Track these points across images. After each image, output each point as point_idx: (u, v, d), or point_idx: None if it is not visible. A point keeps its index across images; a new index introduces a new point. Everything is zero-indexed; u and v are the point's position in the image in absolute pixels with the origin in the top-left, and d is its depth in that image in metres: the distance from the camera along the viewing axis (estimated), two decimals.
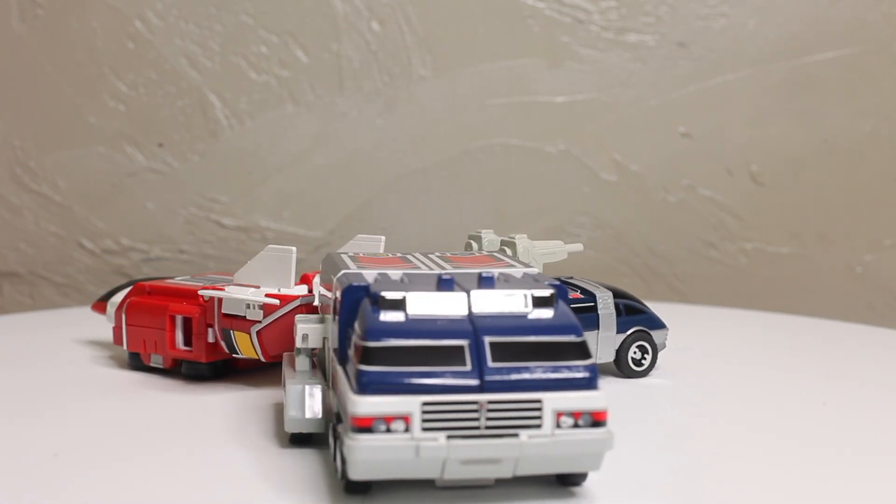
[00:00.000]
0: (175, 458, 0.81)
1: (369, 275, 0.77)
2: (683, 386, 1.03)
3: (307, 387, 0.82)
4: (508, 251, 1.04)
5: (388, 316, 0.70)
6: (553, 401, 0.68)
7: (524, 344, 0.69)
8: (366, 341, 0.68)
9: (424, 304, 0.71)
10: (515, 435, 0.68)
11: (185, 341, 1.03)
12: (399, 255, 0.90)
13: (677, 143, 1.61)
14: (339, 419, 0.74)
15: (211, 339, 1.01)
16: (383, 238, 1.02)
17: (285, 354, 0.93)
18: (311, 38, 1.60)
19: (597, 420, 0.69)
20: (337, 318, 0.76)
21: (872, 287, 1.61)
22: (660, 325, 1.07)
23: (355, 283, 0.74)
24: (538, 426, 0.68)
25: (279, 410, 0.93)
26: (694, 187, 1.61)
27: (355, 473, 0.68)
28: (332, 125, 1.61)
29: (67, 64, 1.61)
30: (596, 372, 0.70)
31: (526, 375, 0.68)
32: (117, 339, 1.09)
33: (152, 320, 1.04)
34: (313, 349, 0.87)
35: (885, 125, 1.59)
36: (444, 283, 0.72)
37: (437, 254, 0.91)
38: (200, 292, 1.00)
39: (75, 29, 1.60)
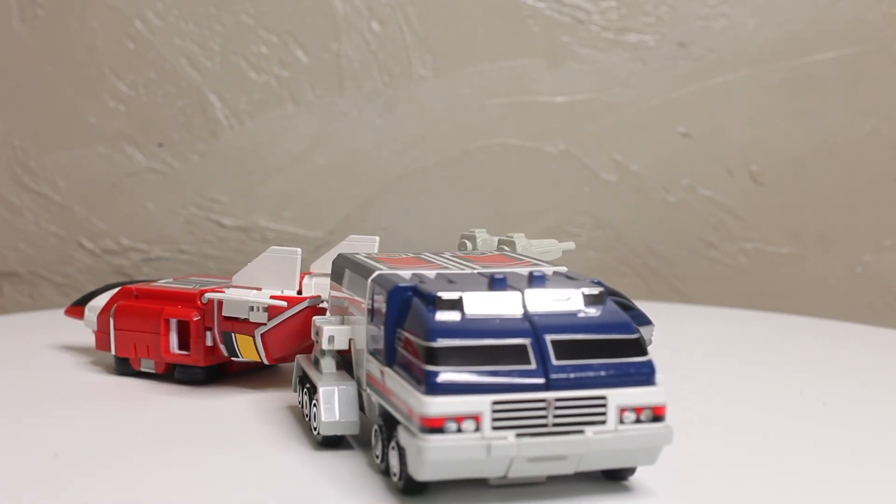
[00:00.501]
0: (206, 462, 0.80)
1: (405, 275, 0.78)
2: (683, 386, 1.03)
3: (341, 389, 0.82)
4: (507, 249, 1.04)
5: (446, 316, 0.71)
6: (617, 397, 0.70)
7: (584, 342, 0.71)
8: (430, 342, 0.68)
9: (481, 303, 0.71)
10: (581, 431, 0.69)
11: (180, 345, 1.01)
12: (412, 254, 0.90)
13: (677, 143, 1.61)
14: (385, 419, 0.75)
15: (209, 343, 1.00)
16: (377, 238, 1.02)
17: (299, 356, 0.92)
18: (311, 38, 1.60)
19: (657, 415, 0.71)
20: (374, 318, 0.77)
21: (872, 287, 1.61)
22: (645, 321, 1.07)
23: (402, 284, 0.74)
24: (603, 422, 0.70)
25: (296, 413, 0.93)
26: (694, 187, 1.61)
27: (424, 474, 0.68)
28: (332, 125, 1.61)
29: (67, 64, 1.61)
30: (654, 368, 0.71)
31: (590, 373, 0.70)
32: (102, 344, 1.06)
33: (145, 324, 1.02)
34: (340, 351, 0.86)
35: (885, 125, 1.59)
36: (498, 283, 0.73)
37: (449, 254, 0.92)
38: (205, 295, 0.99)
39: (75, 29, 1.60)
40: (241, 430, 0.88)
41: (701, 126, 1.61)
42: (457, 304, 0.71)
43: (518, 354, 0.69)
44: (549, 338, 0.70)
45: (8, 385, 1.04)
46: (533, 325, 0.71)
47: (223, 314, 0.98)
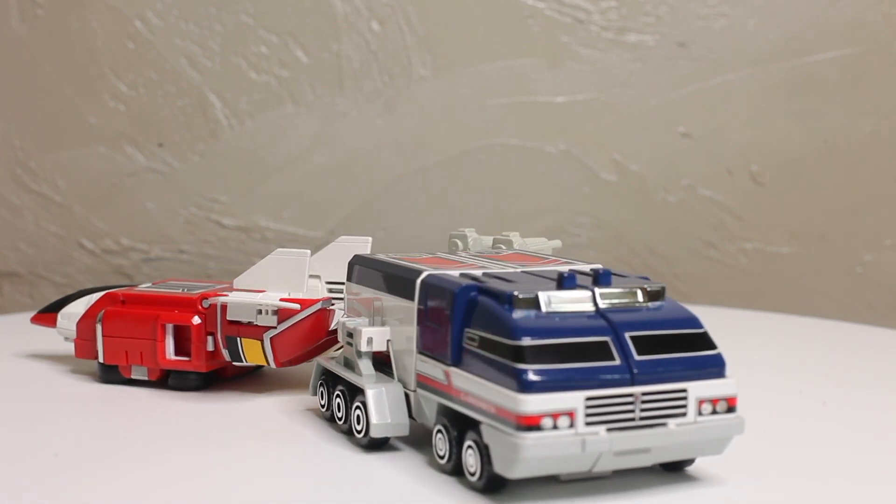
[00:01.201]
0: (243, 468, 0.79)
1: (452, 275, 0.79)
2: None
3: (390, 390, 0.82)
4: (504, 248, 1.04)
5: (525, 315, 0.72)
6: (696, 389, 0.72)
7: (660, 336, 0.73)
8: (517, 340, 0.70)
9: (555, 301, 0.73)
10: (665, 424, 0.72)
11: (176, 351, 0.99)
12: (427, 254, 0.92)
13: (677, 143, 1.61)
14: (452, 419, 0.75)
15: (210, 348, 0.98)
16: (370, 239, 1.01)
17: (319, 359, 0.92)
18: (311, 38, 1.60)
19: (731, 406, 0.74)
20: (429, 319, 0.78)
21: (872, 287, 1.61)
22: None
23: (467, 284, 0.76)
24: (683, 414, 0.72)
25: (319, 415, 0.92)
26: (694, 187, 1.61)
27: (519, 471, 0.69)
28: (332, 125, 1.61)
29: (67, 64, 1.61)
30: (724, 361, 0.74)
31: (670, 367, 0.72)
32: (84, 351, 1.03)
33: (139, 330, 0.99)
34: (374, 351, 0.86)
35: (885, 125, 1.59)
36: (569, 281, 0.75)
37: (465, 253, 0.93)
38: (213, 299, 0.97)
39: (75, 29, 1.60)
40: (275, 435, 0.87)
41: (701, 126, 1.60)
42: (533, 303, 0.73)
43: (601, 351, 0.71)
44: (628, 334, 0.72)
45: (8, 385, 1.04)
46: (609, 322, 0.73)
47: (227, 318, 0.97)
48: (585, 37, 1.59)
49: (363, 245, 1.01)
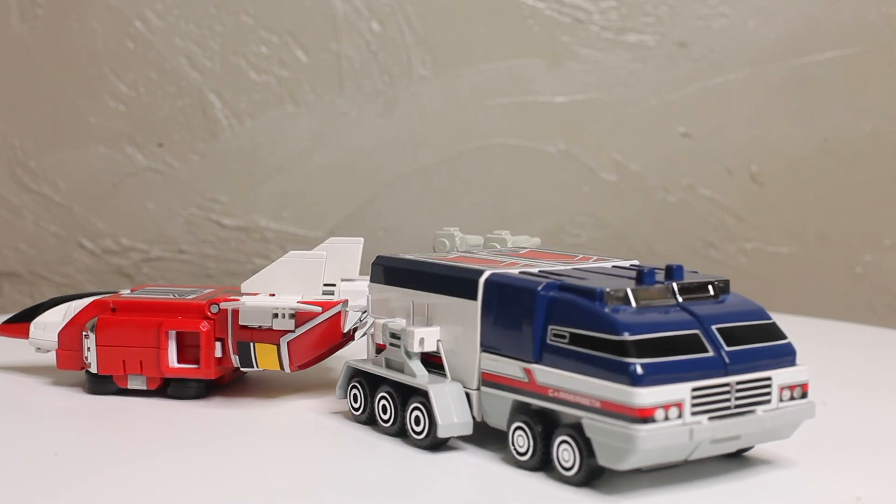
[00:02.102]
0: (305, 476, 0.79)
1: (520, 274, 0.81)
2: None
3: (453, 390, 0.82)
4: (498, 246, 1.05)
5: (619, 310, 0.74)
6: (779, 377, 0.77)
7: (742, 328, 0.77)
8: (620, 335, 0.72)
9: (642, 297, 0.76)
10: (753, 411, 0.75)
11: (178, 359, 0.97)
12: (459, 253, 0.94)
13: (677, 143, 1.61)
14: (534, 416, 0.77)
15: (218, 354, 0.96)
16: (362, 240, 1.00)
17: (350, 361, 0.91)
18: (311, 38, 1.60)
19: (804, 392, 0.78)
20: (498, 318, 0.79)
21: (872, 287, 1.61)
22: None
23: (549, 281, 0.78)
24: (768, 401, 0.76)
25: (349, 416, 0.91)
26: (694, 187, 1.61)
27: (631, 462, 0.72)
28: (332, 125, 1.61)
29: (67, 64, 1.61)
30: (795, 349, 0.78)
31: (756, 356, 0.76)
32: (67, 362, 1.00)
33: (139, 338, 0.96)
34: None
35: (885, 125, 1.59)
36: (650, 276, 0.77)
37: (486, 252, 0.95)
38: (225, 304, 0.95)
39: (75, 29, 1.60)
40: (324, 439, 0.87)
41: (701, 126, 1.60)
42: (624, 299, 0.75)
43: (695, 343, 0.74)
44: (714, 326, 0.76)
45: (8, 385, 1.04)
46: (694, 315, 0.76)
47: (240, 323, 0.94)
48: (585, 37, 1.59)
49: (355, 246, 0.99)
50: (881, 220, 1.61)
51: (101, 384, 0.98)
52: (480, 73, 1.60)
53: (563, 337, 0.75)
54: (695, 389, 0.72)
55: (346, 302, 0.96)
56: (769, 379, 0.76)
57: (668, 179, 1.61)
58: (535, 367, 0.77)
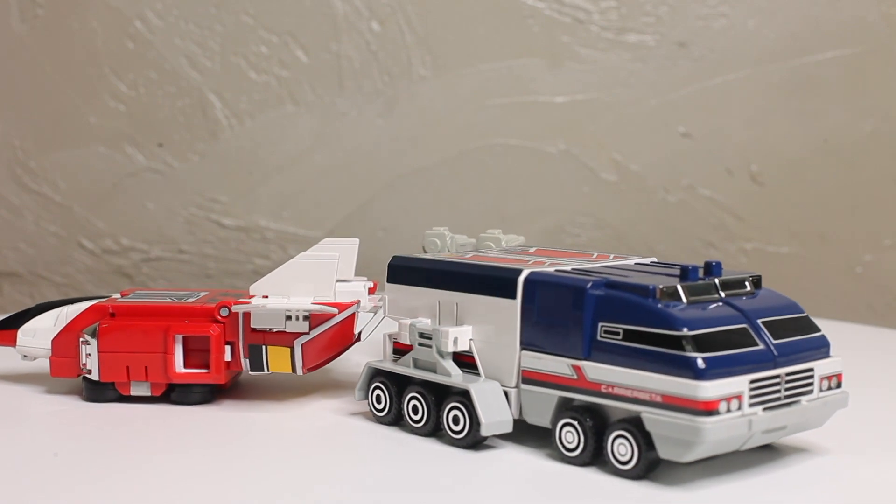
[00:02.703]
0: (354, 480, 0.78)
1: (554, 272, 0.83)
2: None
3: (494, 388, 0.83)
4: (493, 245, 1.06)
5: (674, 306, 0.76)
6: (820, 367, 0.80)
7: (783, 321, 0.80)
8: (678, 330, 0.74)
9: (690, 293, 0.78)
10: (799, 402, 0.78)
11: (185, 363, 0.95)
12: (474, 252, 0.95)
13: (677, 143, 1.61)
14: (580, 411, 0.78)
15: (228, 358, 0.94)
16: (357, 240, 0.99)
17: (371, 361, 0.90)
18: (311, 38, 1.60)
19: (839, 382, 0.81)
20: (540, 316, 0.80)
21: (872, 287, 1.61)
22: None
23: (595, 280, 0.79)
24: (811, 392, 0.79)
25: (370, 417, 0.91)
26: (694, 187, 1.61)
27: (695, 455, 0.74)
28: (332, 125, 1.61)
29: (67, 64, 1.61)
30: (829, 341, 0.81)
31: (799, 348, 0.79)
32: (62, 370, 0.97)
33: (146, 344, 0.94)
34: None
35: (885, 125, 1.59)
36: (693, 273, 0.80)
37: (498, 251, 0.96)
38: (236, 307, 0.93)
39: (75, 29, 1.60)
40: (359, 441, 0.86)
41: (701, 126, 1.60)
42: (675, 295, 0.77)
43: (746, 337, 0.76)
44: (759, 320, 0.78)
45: (8, 386, 1.03)
46: (739, 310, 0.78)
47: (252, 326, 0.93)
48: (585, 37, 1.59)
49: (351, 247, 0.98)
50: (881, 220, 1.61)
51: (100, 391, 0.96)
52: (480, 73, 1.60)
53: (616, 333, 0.77)
54: (752, 382, 0.74)
55: (359, 303, 0.95)
56: (812, 370, 0.79)
57: (668, 179, 1.61)
58: (585, 363, 0.78)
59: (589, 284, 0.79)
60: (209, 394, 0.96)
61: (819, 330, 0.81)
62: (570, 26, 1.59)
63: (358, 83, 1.60)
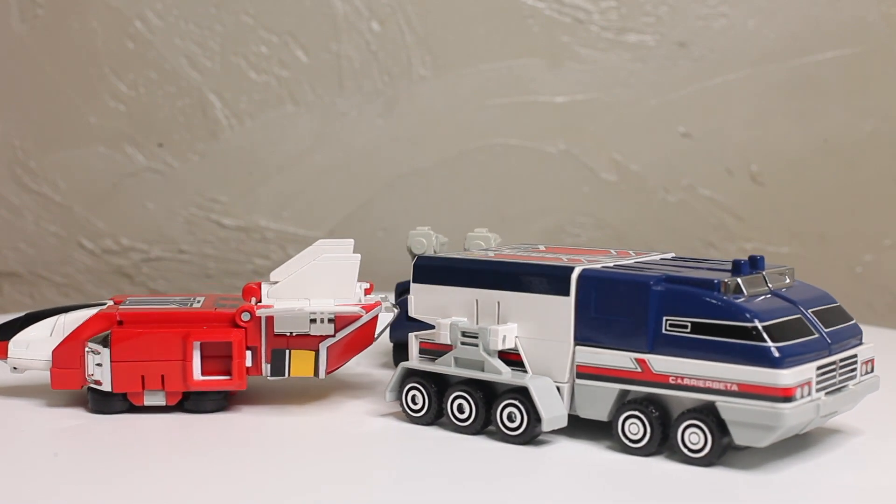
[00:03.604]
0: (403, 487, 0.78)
1: (610, 269, 0.85)
2: None
3: (550, 384, 0.84)
4: (483, 244, 1.07)
5: (740, 299, 0.79)
6: (861, 353, 0.84)
7: (826, 310, 0.84)
8: (751, 322, 0.77)
9: (747, 286, 0.81)
10: (847, 386, 0.82)
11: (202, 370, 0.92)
12: (504, 250, 0.96)
13: (677, 143, 1.61)
14: (643, 403, 0.80)
15: (248, 364, 0.92)
16: (352, 241, 0.98)
17: (405, 363, 0.90)
18: (311, 38, 1.60)
19: (873, 367, 0.86)
20: (597, 311, 0.82)
21: (872, 287, 1.61)
22: None
23: (657, 275, 0.82)
24: (854, 377, 0.83)
25: (403, 417, 0.91)
26: (694, 187, 1.61)
27: (772, 439, 0.77)
28: (332, 125, 1.61)
29: (67, 64, 1.61)
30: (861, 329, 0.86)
31: (845, 336, 0.83)
32: (65, 381, 0.93)
33: (162, 352, 0.91)
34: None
35: (885, 125, 1.59)
36: (746, 266, 0.83)
37: (512, 249, 0.97)
38: (260, 311, 0.90)
39: (75, 29, 1.60)
40: (403, 443, 0.86)
41: (701, 126, 1.60)
42: (737, 288, 0.80)
43: (804, 326, 0.80)
44: (809, 310, 0.82)
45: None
46: (791, 302, 0.82)
47: (275, 331, 0.91)
48: (585, 37, 1.59)
49: (346, 247, 0.97)
50: (881, 220, 1.61)
51: (108, 403, 0.92)
52: (480, 73, 1.60)
53: (684, 327, 0.79)
54: (818, 368, 0.78)
55: (381, 305, 0.95)
56: (856, 356, 0.83)
57: (668, 179, 1.61)
58: (650, 356, 0.80)
59: (651, 280, 0.81)
60: (224, 401, 0.93)
61: (853, 318, 0.85)
62: (570, 26, 1.59)
63: (358, 83, 1.60)
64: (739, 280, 0.81)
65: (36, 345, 0.94)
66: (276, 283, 0.96)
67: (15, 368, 0.96)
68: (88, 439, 0.87)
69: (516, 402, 0.83)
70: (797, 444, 0.84)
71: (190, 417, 0.92)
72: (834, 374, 0.81)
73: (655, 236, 1.62)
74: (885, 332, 1.39)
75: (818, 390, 0.78)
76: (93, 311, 0.95)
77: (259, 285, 0.96)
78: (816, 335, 0.80)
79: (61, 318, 0.95)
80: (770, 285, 0.83)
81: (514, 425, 0.84)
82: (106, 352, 0.91)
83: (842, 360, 0.82)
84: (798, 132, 1.60)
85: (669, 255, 0.94)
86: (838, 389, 0.81)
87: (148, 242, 1.63)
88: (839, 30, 1.58)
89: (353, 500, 0.74)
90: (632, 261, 0.89)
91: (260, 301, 0.95)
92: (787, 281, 0.86)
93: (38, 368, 0.95)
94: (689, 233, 1.61)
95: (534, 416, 0.82)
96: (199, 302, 0.98)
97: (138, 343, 0.91)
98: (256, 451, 0.84)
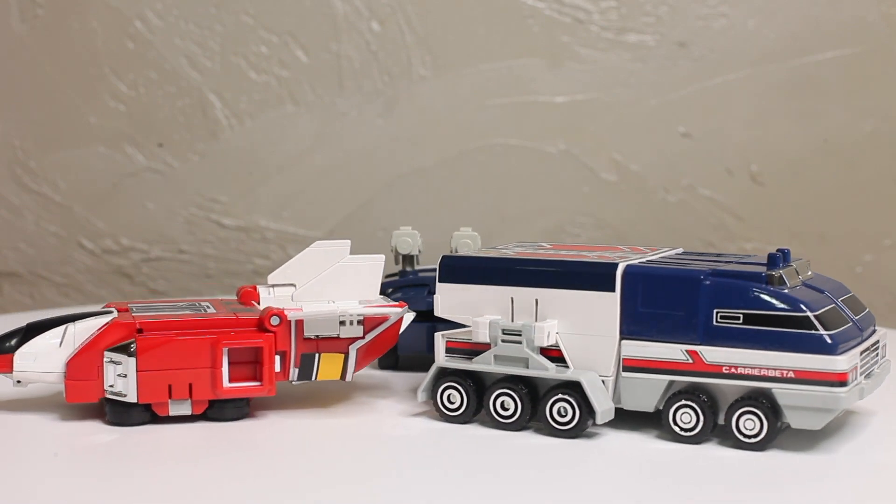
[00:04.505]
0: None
1: (653, 264, 0.89)
2: None
3: (597, 379, 0.86)
4: (471, 243, 1.07)
5: (789, 290, 0.84)
6: (882, 338, 0.90)
7: (849, 300, 0.89)
8: (804, 312, 0.81)
9: (787, 278, 0.86)
10: (874, 370, 0.88)
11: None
12: (519, 247, 0.98)
13: (677, 143, 1.61)
14: (695, 393, 0.84)
15: (277, 369, 0.90)
16: (349, 242, 0.98)
17: (441, 362, 0.90)
18: (311, 38, 1.60)
19: (885, 351, 0.92)
20: (644, 305, 0.85)
21: (872, 287, 1.61)
22: None
23: (705, 270, 0.85)
24: (877, 361, 0.89)
25: (437, 422, 0.91)
26: (694, 187, 1.61)
27: (826, 421, 0.82)
28: (332, 125, 1.61)
29: (67, 64, 1.61)
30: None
31: (869, 322, 0.89)
32: (81, 394, 0.89)
33: (190, 359, 0.88)
34: None
35: (885, 125, 1.59)
36: (779, 260, 0.87)
37: (513, 247, 0.99)
38: (291, 314, 0.89)
39: (75, 29, 1.60)
40: (453, 443, 0.86)
41: (701, 126, 1.60)
42: (781, 280, 0.84)
43: (840, 315, 0.84)
44: (839, 299, 0.87)
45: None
46: (822, 292, 0.86)
47: (305, 334, 0.90)
48: (585, 37, 1.59)
49: (342, 248, 0.96)
50: (881, 220, 1.61)
51: (128, 414, 0.88)
52: (480, 73, 1.60)
53: (736, 318, 0.83)
54: (861, 354, 0.83)
55: (406, 305, 0.94)
56: (878, 341, 0.89)
57: (668, 179, 1.61)
58: (702, 348, 0.84)
59: (702, 274, 0.84)
60: (247, 407, 0.91)
61: (867, 307, 0.91)
62: (570, 26, 1.59)
63: (358, 83, 1.60)
64: (783, 272, 0.85)
65: (45, 356, 0.90)
66: (274, 286, 0.95)
67: (19, 382, 0.91)
68: (133, 453, 0.84)
69: (567, 397, 0.85)
70: (830, 426, 0.87)
71: (218, 426, 0.90)
72: (867, 359, 0.86)
73: (655, 236, 1.62)
74: (886, 333, 1.38)
75: (861, 374, 0.84)
76: (103, 319, 0.91)
77: (255, 288, 0.95)
78: (851, 323, 0.84)
79: (70, 327, 0.91)
80: (800, 277, 0.88)
81: (566, 419, 0.86)
82: (131, 361, 0.87)
83: (872, 346, 0.87)
84: (798, 132, 1.60)
85: (673, 252, 0.96)
86: (871, 373, 0.86)
87: (148, 242, 1.63)
88: (839, 30, 1.58)
89: (439, 500, 0.74)
90: (655, 255, 0.92)
91: (258, 304, 0.94)
92: (809, 273, 0.91)
93: (49, 381, 0.91)
94: (689, 233, 1.61)
95: (585, 410, 0.85)
96: (210, 307, 0.95)
97: (166, 351, 0.88)
98: (309, 457, 0.83)
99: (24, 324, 0.93)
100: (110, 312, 0.93)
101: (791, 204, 1.61)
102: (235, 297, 0.98)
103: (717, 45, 1.59)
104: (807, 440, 0.85)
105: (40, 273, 1.64)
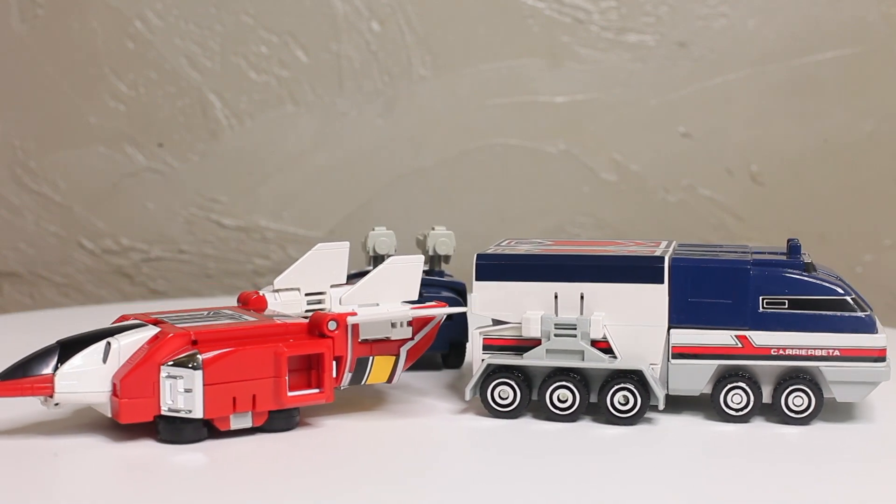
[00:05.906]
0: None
1: (702, 256, 0.93)
2: None
3: (649, 369, 0.90)
4: (449, 242, 1.10)
5: (824, 278, 0.90)
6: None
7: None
8: (845, 296, 0.89)
9: (814, 267, 0.91)
10: None
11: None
12: (544, 243, 1.00)
13: (677, 143, 1.61)
14: (746, 375, 0.89)
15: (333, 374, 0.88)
16: (348, 244, 0.97)
17: (490, 359, 0.91)
18: (311, 38, 1.60)
19: None
20: (692, 294, 0.90)
21: (872, 287, 1.61)
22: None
23: (751, 260, 0.91)
24: None
25: (485, 419, 0.91)
26: (694, 187, 1.61)
27: (868, 393, 0.89)
28: (332, 125, 1.61)
29: (67, 64, 1.61)
30: None
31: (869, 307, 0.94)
32: (137, 412, 0.83)
33: (255, 370, 0.84)
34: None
35: (885, 125, 1.59)
36: (798, 248, 0.94)
37: (538, 241, 1.02)
38: (352, 319, 0.88)
39: (75, 29, 1.60)
40: (522, 440, 0.87)
41: (701, 126, 1.61)
42: (814, 268, 0.91)
43: (860, 303, 0.90)
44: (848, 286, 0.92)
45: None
46: (838, 278, 0.92)
47: (360, 338, 0.89)
48: (585, 37, 1.59)
49: (342, 250, 0.96)
50: (881, 220, 1.61)
51: (183, 431, 0.84)
52: (480, 73, 1.60)
53: (781, 304, 0.89)
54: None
55: (447, 304, 0.94)
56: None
57: (668, 179, 1.61)
58: (750, 333, 0.90)
59: (747, 266, 0.90)
60: (298, 416, 0.88)
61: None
62: (570, 26, 1.59)
63: (358, 83, 1.60)
64: (812, 261, 0.92)
65: (90, 375, 0.83)
66: (278, 290, 0.94)
67: (57, 405, 0.84)
68: (225, 472, 0.80)
69: (629, 386, 0.89)
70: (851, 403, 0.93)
71: (277, 437, 0.86)
72: None
73: (655, 236, 1.61)
74: (886, 333, 1.38)
75: None
76: (146, 332, 0.85)
77: (257, 293, 0.93)
78: (868, 311, 0.90)
79: (114, 342, 0.84)
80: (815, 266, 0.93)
81: (628, 407, 0.89)
82: (197, 374, 0.82)
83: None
84: (798, 132, 1.60)
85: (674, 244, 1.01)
86: None
87: (148, 242, 1.63)
88: (839, 30, 1.58)
89: (539, 492, 0.75)
90: (668, 248, 0.97)
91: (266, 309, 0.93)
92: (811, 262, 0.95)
93: (94, 402, 0.84)
94: (689, 233, 1.61)
95: (649, 397, 0.89)
96: (238, 314, 0.91)
97: (230, 363, 0.84)
98: (391, 462, 0.83)
99: (53, 341, 0.86)
100: (144, 325, 0.87)
101: (791, 204, 1.61)
102: (237, 303, 0.96)
103: (717, 45, 1.59)
104: (843, 413, 0.93)
105: (40, 273, 1.64)
